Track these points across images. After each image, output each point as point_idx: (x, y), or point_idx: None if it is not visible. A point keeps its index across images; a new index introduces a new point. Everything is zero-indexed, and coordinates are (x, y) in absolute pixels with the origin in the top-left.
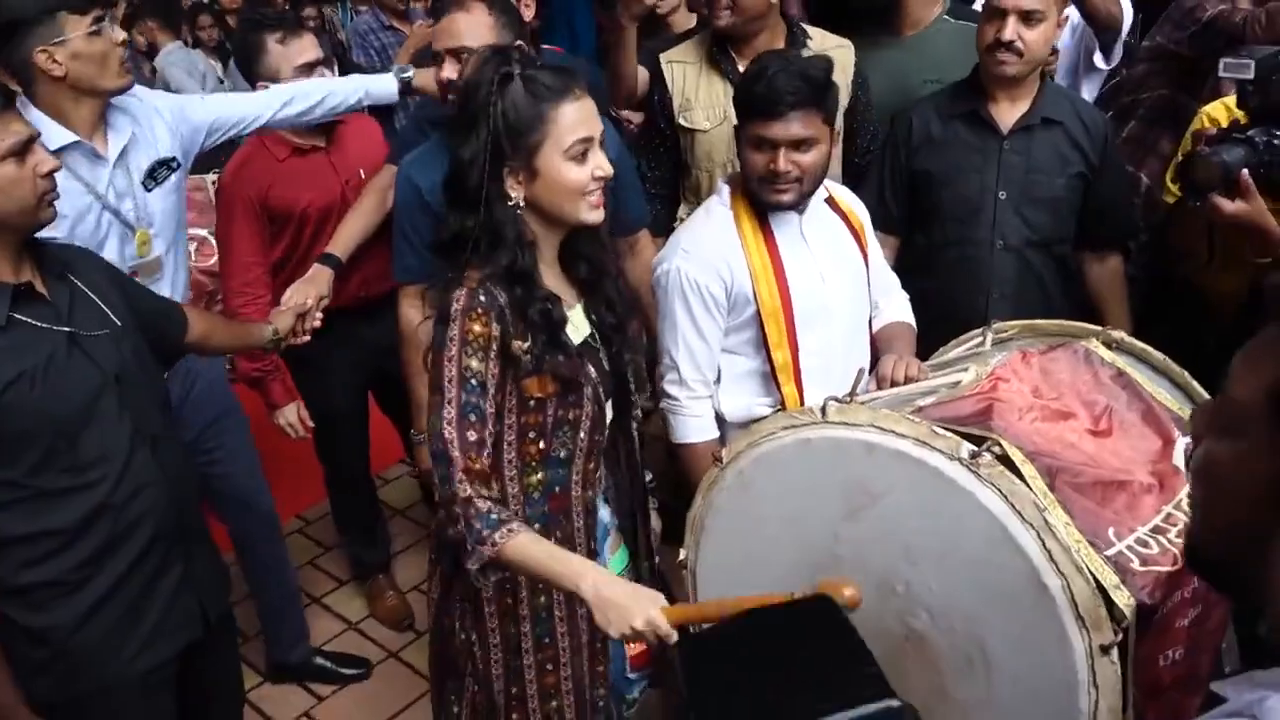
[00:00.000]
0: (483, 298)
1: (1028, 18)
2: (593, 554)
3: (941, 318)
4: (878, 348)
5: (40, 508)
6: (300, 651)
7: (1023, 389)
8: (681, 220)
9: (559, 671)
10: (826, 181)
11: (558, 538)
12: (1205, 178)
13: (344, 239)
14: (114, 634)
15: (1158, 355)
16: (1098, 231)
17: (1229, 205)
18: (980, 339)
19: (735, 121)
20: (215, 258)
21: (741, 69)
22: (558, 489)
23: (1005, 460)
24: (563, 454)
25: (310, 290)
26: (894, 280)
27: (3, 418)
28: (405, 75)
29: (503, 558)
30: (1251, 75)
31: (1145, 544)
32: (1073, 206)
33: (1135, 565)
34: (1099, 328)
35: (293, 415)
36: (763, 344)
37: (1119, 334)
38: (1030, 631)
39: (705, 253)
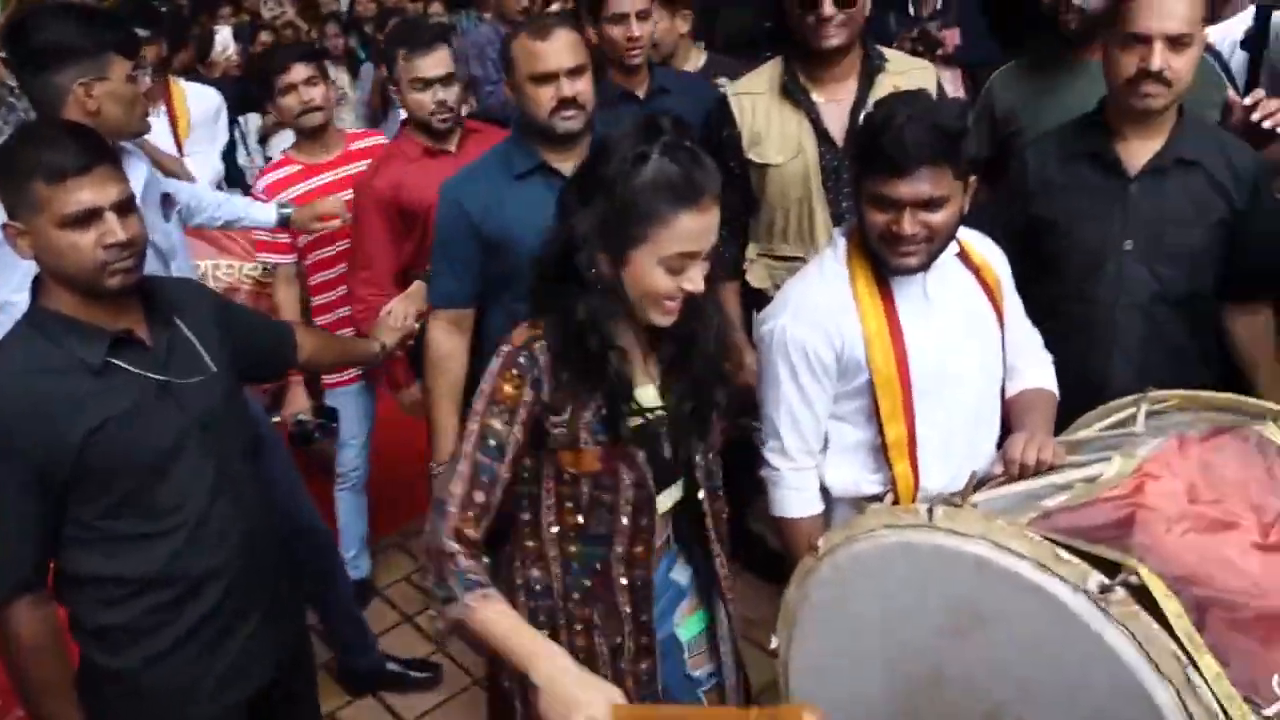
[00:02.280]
0: (522, 360)
1: (1175, 43)
2: (642, 629)
3: (1059, 381)
4: (1011, 418)
5: (113, 551)
6: (369, 659)
7: (1175, 489)
8: (751, 261)
9: None
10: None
11: (600, 611)
12: None
13: None
14: (185, 680)
15: None
16: (1244, 283)
17: None
18: (1132, 409)
19: (812, 155)
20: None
21: (816, 99)
22: (598, 565)
23: (1143, 592)
24: (601, 531)
25: (410, 307)
26: (1036, 340)
27: (85, 460)
28: (285, 211)
29: (471, 621)
30: None
31: None
32: (1213, 258)
33: None
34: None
35: (417, 393)
36: (874, 416)
37: None
38: None
39: (815, 313)
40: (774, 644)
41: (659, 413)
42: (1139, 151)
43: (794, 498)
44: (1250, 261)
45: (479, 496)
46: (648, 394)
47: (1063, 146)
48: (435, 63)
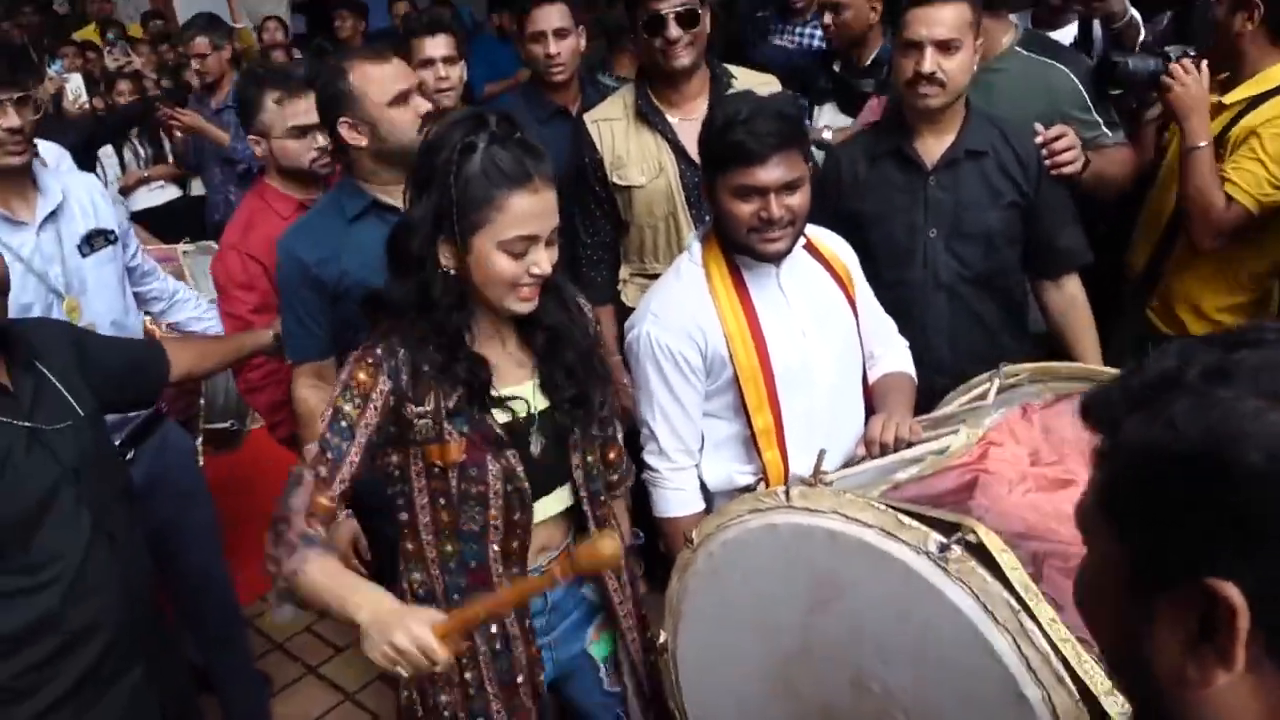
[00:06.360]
0: (379, 350)
1: (945, 47)
2: (530, 635)
3: None
4: (873, 402)
5: None
6: None
7: (1019, 453)
8: (625, 282)
9: None
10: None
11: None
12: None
13: None
14: None
15: None
16: (1043, 258)
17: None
18: (986, 385)
19: (673, 172)
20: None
21: (670, 119)
22: (474, 564)
23: (981, 550)
24: (474, 528)
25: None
26: (889, 327)
27: None
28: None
29: (301, 587)
30: None
31: None
32: (1009, 238)
33: None
34: (1119, 371)
35: None
36: (742, 408)
37: None
38: None
39: (676, 316)
40: (661, 638)
41: (532, 409)
42: (934, 147)
43: (674, 497)
44: (1043, 238)
45: (323, 470)
46: (525, 390)
47: (868, 147)
48: (310, 107)
